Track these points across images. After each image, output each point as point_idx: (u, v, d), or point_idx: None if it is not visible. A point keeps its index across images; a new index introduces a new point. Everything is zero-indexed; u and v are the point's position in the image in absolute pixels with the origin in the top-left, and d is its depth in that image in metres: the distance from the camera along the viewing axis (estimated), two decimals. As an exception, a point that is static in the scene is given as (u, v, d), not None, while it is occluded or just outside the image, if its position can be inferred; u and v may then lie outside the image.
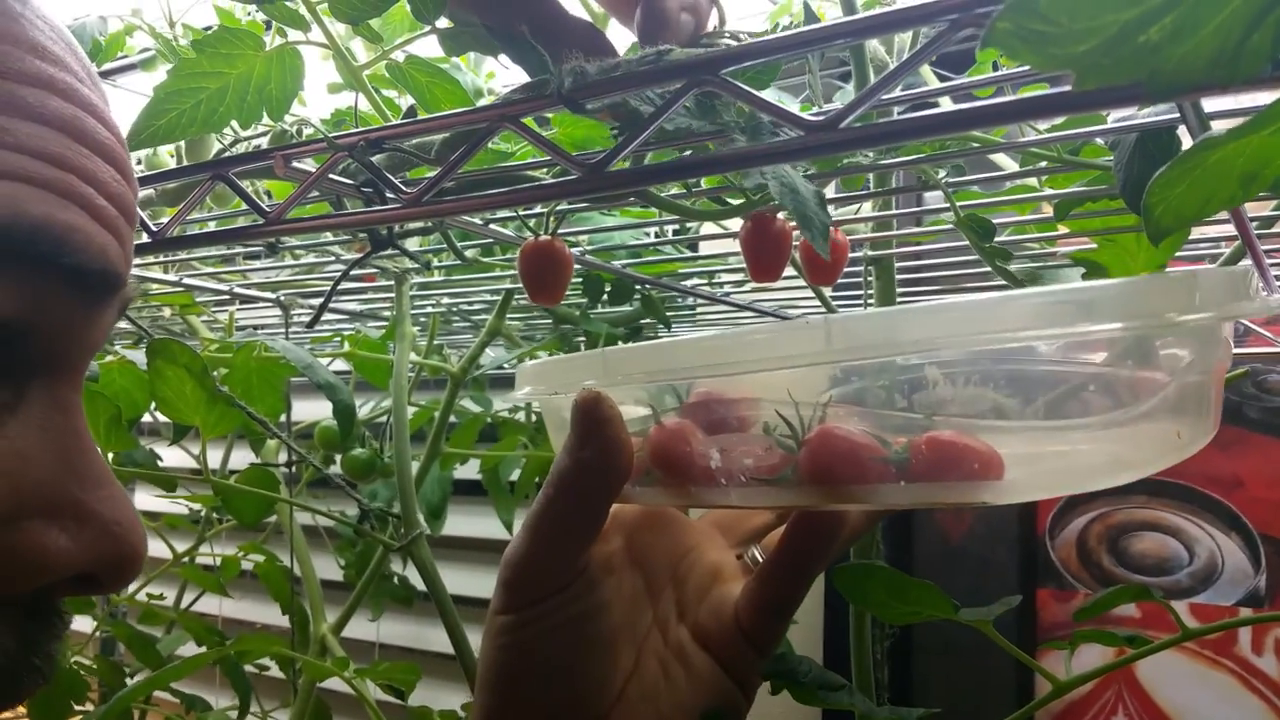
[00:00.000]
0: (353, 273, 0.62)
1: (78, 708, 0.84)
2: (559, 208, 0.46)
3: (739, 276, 0.67)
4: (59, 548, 0.22)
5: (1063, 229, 0.48)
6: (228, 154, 0.51)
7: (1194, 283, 0.22)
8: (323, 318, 0.55)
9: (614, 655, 0.33)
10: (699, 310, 0.81)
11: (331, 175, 0.37)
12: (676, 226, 0.60)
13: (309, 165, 0.38)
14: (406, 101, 0.49)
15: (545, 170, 0.42)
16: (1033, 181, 0.45)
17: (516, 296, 0.70)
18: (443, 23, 0.35)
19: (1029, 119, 0.29)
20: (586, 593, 0.32)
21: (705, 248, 0.71)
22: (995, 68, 0.49)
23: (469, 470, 0.89)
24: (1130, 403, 0.24)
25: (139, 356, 0.60)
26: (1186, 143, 0.28)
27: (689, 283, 0.66)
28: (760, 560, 0.37)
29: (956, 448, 0.24)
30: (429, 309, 0.80)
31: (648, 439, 0.30)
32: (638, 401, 0.31)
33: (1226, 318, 0.24)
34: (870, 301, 0.51)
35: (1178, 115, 0.28)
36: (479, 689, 0.33)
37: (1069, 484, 0.28)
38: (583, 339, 0.76)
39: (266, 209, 0.38)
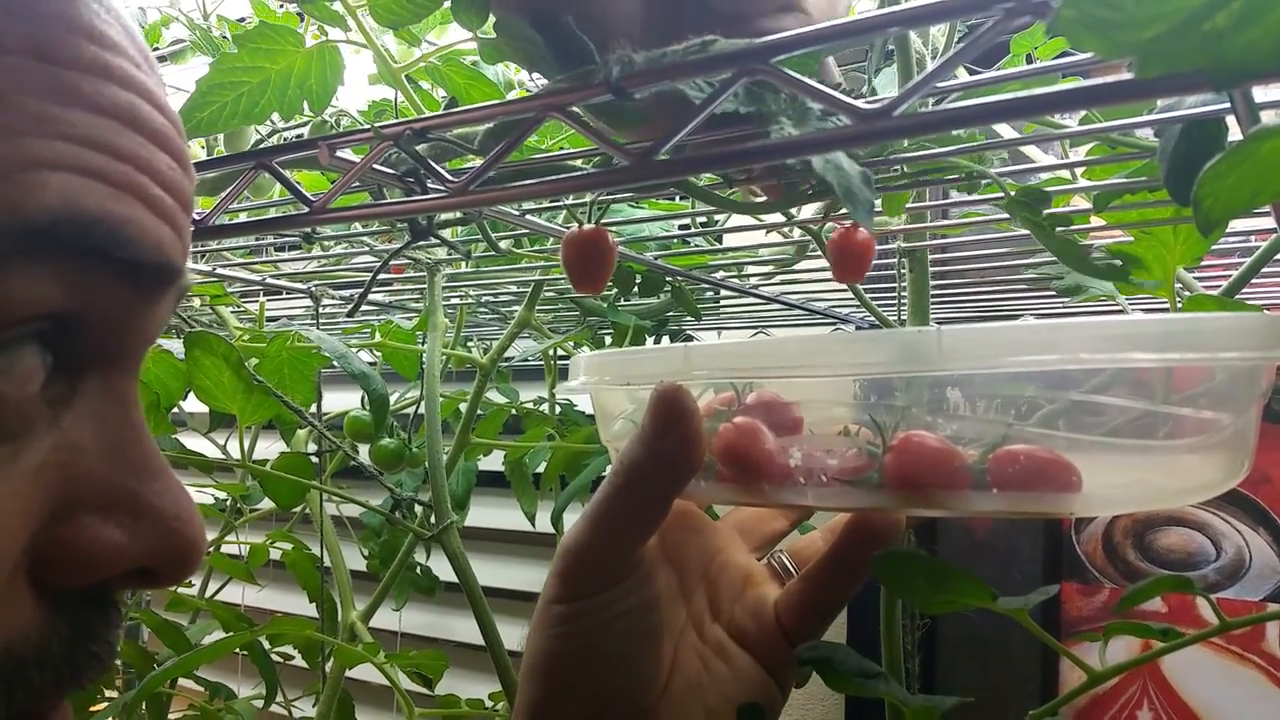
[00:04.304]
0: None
1: (108, 692, 0.85)
2: (600, 197, 0.46)
3: (766, 269, 0.67)
4: (114, 542, 0.21)
5: (1098, 221, 0.48)
6: (265, 144, 0.52)
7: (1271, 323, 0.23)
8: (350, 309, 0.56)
9: (661, 649, 0.33)
10: (723, 302, 0.81)
11: (374, 165, 0.38)
12: (705, 219, 0.61)
13: (349, 155, 0.38)
14: (442, 92, 0.49)
15: (582, 160, 0.42)
16: (1065, 174, 0.45)
17: (545, 288, 0.70)
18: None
19: (1092, 106, 0.29)
20: (641, 585, 0.32)
21: (730, 240, 0.71)
22: (1029, 60, 0.49)
23: (487, 462, 0.90)
24: (1208, 430, 0.25)
25: (173, 345, 0.61)
26: (1233, 133, 0.28)
27: (716, 275, 0.66)
28: (789, 566, 0.38)
29: (1045, 459, 0.24)
30: (455, 300, 0.81)
31: (717, 435, 0.30)
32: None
33: None
34: (904, 294, 0.51)
35: (1226, 105, 0.28)
36: (526, 677, 0.33)
37: (1148, 500, 0.28)
38: (609, 331, 0.76)
39: (311, 199, 0.38)
